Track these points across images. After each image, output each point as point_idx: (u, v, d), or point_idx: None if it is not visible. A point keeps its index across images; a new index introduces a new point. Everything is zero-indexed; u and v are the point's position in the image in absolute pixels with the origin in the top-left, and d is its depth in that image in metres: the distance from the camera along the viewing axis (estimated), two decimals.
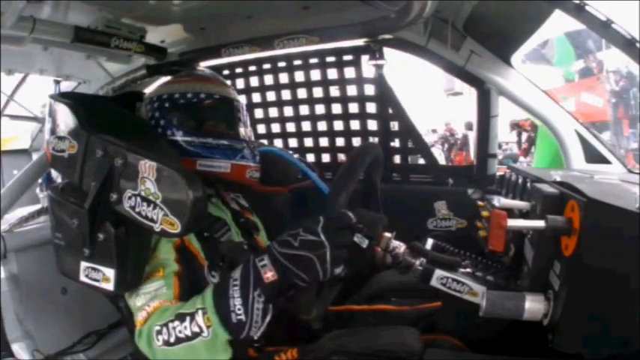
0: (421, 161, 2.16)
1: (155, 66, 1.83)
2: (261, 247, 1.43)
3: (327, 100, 2.05)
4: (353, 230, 1.05)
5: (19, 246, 1.56)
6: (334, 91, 2.03)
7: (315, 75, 2.03)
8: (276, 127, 2.25)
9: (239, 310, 0.97)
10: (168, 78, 1.58)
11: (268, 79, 2.14)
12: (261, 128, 2.26)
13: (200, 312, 1.00)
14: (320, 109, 2.08)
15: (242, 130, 1.43)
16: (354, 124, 2.06)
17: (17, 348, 1.49)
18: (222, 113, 1.39)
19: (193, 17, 1.63)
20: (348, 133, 2.10)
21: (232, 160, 1.34)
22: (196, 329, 0.99)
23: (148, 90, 1.54)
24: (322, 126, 2.14)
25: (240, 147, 1.37)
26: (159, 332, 1.03)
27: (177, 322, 1.01)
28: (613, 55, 7.08)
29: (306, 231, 0.99)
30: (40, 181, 2.17)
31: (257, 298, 0.98)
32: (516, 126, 7.73)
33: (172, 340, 1.01)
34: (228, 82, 1.58)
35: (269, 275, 0.98)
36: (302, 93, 2.10)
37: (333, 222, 1.01)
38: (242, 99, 1.74)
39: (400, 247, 1.21)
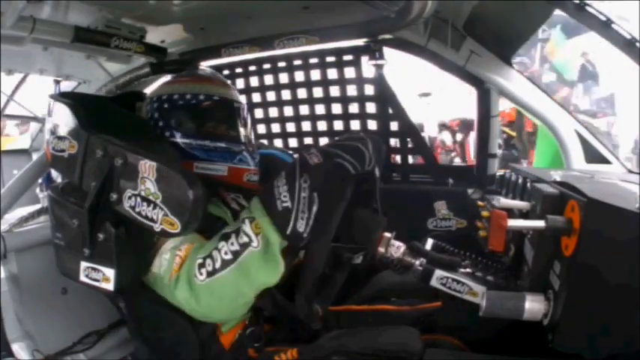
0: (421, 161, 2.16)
1: (159, 64, 1.82)
2: None
3: (327, 100, 2.05)
4: None
5: (19, 246, 1.56)
6: (334, 91, 2.02)
7: (315, 75, 2.03)
8: (276, 127, 2.25)
9: (284, 196, 0.93)
10: (169, 77, 1.58)
11: (268, 79, 2.14)
12: (261, 128, 2.26)
13: (247, 220, 0.96)
14: (320, 109, 2.08)
15: (242, 131, 1.42)
16: (354, 124, 2.06)
17: (17, 348, 1.48)
18: (221, 115, 1.39)
19: (193, 17, 1.62)
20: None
21: (230, 164, 1.33)
22: (245, 239, 0.95)
23: (149, 90, 1.54)
24: (322, 126, 2.14)
25: (238, 150, 1.36)
26: (201, 265, 0.98)
27: (222, 243, 0.97)
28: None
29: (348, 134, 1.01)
30: (40, 181, 2.17)
31: (303, 184, 0.93)
32: (444, 127, 6.71)
33: (218, 265, 0.96)
34: (228, 82, 1.57)
35: (315, 160, 0.96)
36: (302, 93, 2.10)
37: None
38: (242, 99, 1.74)
39: (400, 247, 1.21)
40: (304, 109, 2.11)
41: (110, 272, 1.09)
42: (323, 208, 0.96)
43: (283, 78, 2.11)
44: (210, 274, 0.98)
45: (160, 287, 1.10)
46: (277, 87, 2.14)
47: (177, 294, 1.03)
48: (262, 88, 2.17)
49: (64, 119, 1.21)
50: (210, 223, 1.28)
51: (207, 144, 1.33)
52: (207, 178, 1.30)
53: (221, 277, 0.97)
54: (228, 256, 0.96)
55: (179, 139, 1.33)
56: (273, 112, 2.22)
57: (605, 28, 1.30)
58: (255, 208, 0.97)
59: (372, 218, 1.23)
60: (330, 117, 2.08)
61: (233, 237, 0.97)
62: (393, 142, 2.05)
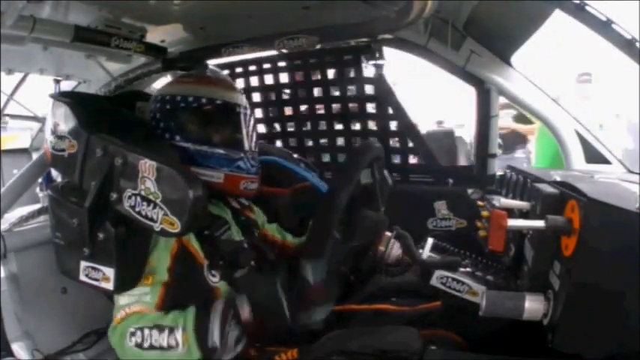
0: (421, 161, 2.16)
1: (171, 60, 1.82)
2: (269, 238, 1.50)
3: (327, 100, 2.05)
4: None
5: (19, 246, 1.56)
6: (334, 91, 2.02)
7: (315, 75, 2.03)
8: (276, 127, 2.25)
9: (215, 336, 1.04)
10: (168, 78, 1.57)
11: (268, 79, 2.14)
12: (261, 128, 2.26)
13: (180, 329, 1.04)
14: (320, 109, 2.08)
15: (244, 137, 1.38)
16: (354, 124, 2.06)
17: (17, 347, 1.48)
18: (222, 120, 1.35)
19: (193, 17, 1.62)
20: (348, 133, 2.10)
21: (226, 171, 1.31)
22: (173, 342, 1.04)
23: (150, 89, 1.54)
24: (322, 126, 2.14)
25: (237, 157, 1.33)
26: (132, 334, 1.07)
27: (154, 331, 1.05)
28: None
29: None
30: (40, 180, 2.17)
31: (233, 327, 1.05)
32: None
33: (146, 345, 1.05)
34: (235, 85, 1.56)
35: (245, 315, 1.05)
36: (302, 93, 2.10)
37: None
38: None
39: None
40: (304, 109, 2.11)
41: (110, 272, 1.09)
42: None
43: (283, 78, 2.11)
44: (138, 345, 1.06)
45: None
46: (277, 87, 2.14)
47: (111, 338, 1.12)
48: (262, 88, 2.17)
49: (63, 119, 1.21)
50: (210, 221, 1.28)
51: (205, 149, 1.30)
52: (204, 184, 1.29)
53: (145, 355, 1.06)
54: (156, 344, 1.05)
55: (177, 142, 1.31)
56: (274, 112, 2.22)
57: (605, 28, 1.30)
58: (190, 327, 1.05)
59: (375, 218, 1.23)
60: (330, 117, 2.08)
61: (165, 333, 1.05)
62: (393, 142, 2.05)
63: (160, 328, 1.05)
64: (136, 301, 1.12)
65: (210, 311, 1.07)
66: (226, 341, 1.05)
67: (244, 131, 1.39)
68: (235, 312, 1.06)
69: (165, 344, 1.04)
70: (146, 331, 1.06)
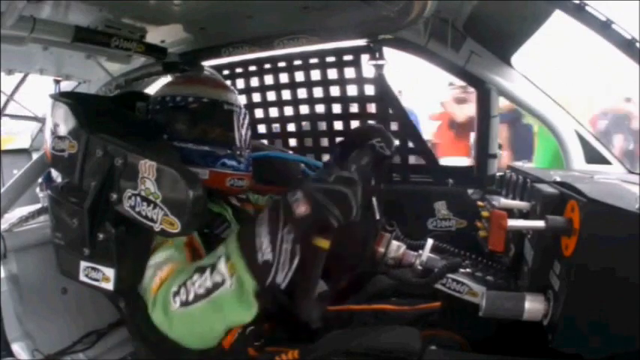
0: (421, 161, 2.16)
1: (171, 64, 1.83)
2: None
3: (327, 100, 2.05)
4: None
5: (19, 246, 1.56)
6: (334, 91, 2.02)
7: (315, 75, 2.03)
8: (276, 127, 2.25)
9: (266, 248, 0.86)
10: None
11: (268, 79, 2.14)
12: (262, 128, 2.26)
13: (223, 258, 0.91)
14: (320, 109, 2.08)
15: (233, 134, 1.38)
16: (354, 124, 2.06)
17: (17, 348, 1.48)
18: (208, 117, 1.35)
19: (193, 17, 1.62)
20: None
21: (211, 167, 1.30)
22: (218, 279, 0.90)
23: (149, 89, 1.54)
24: (322, 126, 2.14)
25: (222, 153, 1.33)
26: (176, 293, 0.96)
27: (196, 277, 0.94)
28: None
29: (338, 169, 0.93)
30: (40, 180, 2.17)
31: (286, 236, 0.86)
32: None
33: (191, 297, 0.93)
34: (228, 82, 1.56)
35: (301, 210, 0.86)
36: (302, 93, 2.10)
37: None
38: (242, 99, 1.72)
39: (400, 247, 1.21)
40: (304, 109, 2.11)
41: (110, 272, 1.09)
42: (304, 259, 0.91)
43: (283, 78, 2.11)
44: (183, 304, 0.95)
45: (145, 299, 1.10)
46: (277, 87, 2.14)
47: (154, 316, 1.02)
48: (262, 88, 2.17)
49: (63, 119, 1.21)
50: (211, 219, 1.28)
51: (190, 147, 1.30)
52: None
53: (193, 310, 0.94)
54: (201, 291, 0.93)
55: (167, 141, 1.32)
56: (273, 112, 2.22)
57: (605, 28, 1.30)
58: (233, 248, 0.91)
59: (364, 233, 1.22)
60: (330, 117, 2.08)
61: (207, 272, 0.93)
62: None
63: (201, 270, 0.92)
64: (166, 262, 1.05)
65: (255, 224, 0.89)
66: (280, 253, 0.85)
67: (233, 128, 1.38)
68: (287, 210, 0.87)
69: (210, 285, 0.90)
70: (189, 283, 0.93)
